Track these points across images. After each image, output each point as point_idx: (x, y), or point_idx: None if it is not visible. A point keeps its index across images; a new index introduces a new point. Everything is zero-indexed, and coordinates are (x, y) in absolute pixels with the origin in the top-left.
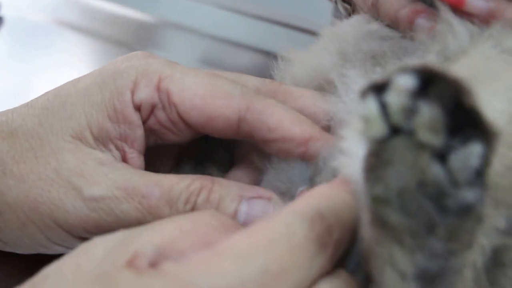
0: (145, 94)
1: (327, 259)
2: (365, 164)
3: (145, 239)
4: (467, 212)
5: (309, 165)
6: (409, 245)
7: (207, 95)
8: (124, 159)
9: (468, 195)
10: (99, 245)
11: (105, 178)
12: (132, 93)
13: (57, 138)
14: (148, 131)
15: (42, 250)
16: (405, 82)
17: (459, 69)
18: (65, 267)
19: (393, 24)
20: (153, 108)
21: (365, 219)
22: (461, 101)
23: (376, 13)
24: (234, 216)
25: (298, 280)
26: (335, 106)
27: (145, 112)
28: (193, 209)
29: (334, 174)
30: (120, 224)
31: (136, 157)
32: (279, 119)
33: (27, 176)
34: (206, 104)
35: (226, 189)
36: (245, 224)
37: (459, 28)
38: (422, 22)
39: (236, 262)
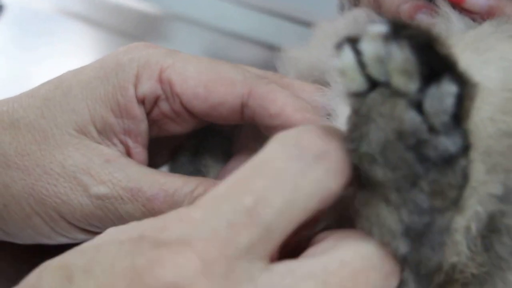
0: (147, 87)
1: (329, 169)
2: (349, 124)
3: (150, 230)
4: (449, 163)
5: None
6: (394, 202)
7: (210, 83)
8: (128, 154)
9: (447, 143)
10: (105, 233)
11: (110, 177)
12: (135, 87)
13: (61, 131)
14: (151, 123)
15: (45, 241)
16: (378, 29)
17: (454, 42)
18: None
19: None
20: (156, 100)
21: (353, 182)
22: (435, 49)
23: (377, 7)
24: None
25: (284, 205)
26: (333, 102)
27: (149, 104)
28: None
29: None
30: (123, 222)
31: (140, 151)
32: (281, 105)
33: (33, 169)
34: (209, 92)
35: None
36: None
37: (456, 22)
38: (423, 17)
39: (205, 209)
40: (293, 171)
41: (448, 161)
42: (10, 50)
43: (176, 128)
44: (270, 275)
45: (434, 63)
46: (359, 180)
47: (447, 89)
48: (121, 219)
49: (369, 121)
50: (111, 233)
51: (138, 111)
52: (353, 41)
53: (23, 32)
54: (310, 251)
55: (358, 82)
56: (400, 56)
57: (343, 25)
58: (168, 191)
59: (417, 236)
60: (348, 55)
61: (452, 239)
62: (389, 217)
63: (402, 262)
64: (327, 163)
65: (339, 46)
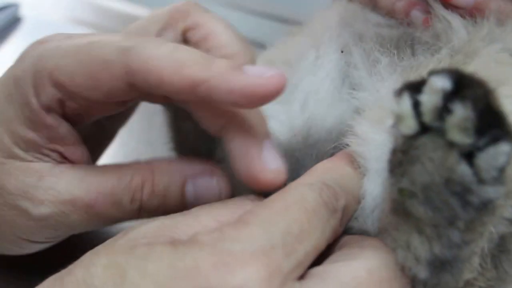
0: (46, 95)
1: (338, 223)
2: (393, 158)
3: (181, 228)
4: (486, 206)
5: None
6: (428, 235)
7: (93, 74)
8: (64, 157)
9: (492, 192)
10: (137, 228)
11: (47, 195)
12: (37, 97)
13: None
14: (75, 116)
15: (30, 251)
16: (441, 83)
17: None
18: (100, 246)
19: (389, 15)
20: (61, 102)
21: (386, 207)
22: (490, 103)
23: (373, 4)
24: (183, 199)
25: (316, 241)
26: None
27: (58, 107)
28: (141, 207)
29: None
30: (74, 230)
31: (74, 151)
32: (158, 69)
33: None
34: (96, 82)
35: (168, 176)
36: (197, 202)
37: (455, 24)
38: (417, 14)
39: (262, 228)
40: (322, 216)
41: (486, 204)
42: None
43: (98, 115)
44: None
45: (489, 118)
46: (396, 208)
47: (504, 150)
48: (68, 229)
49: (416, 161)
50: (145, 231)
51: (51, 120)
52: (412, 89)
53: None
54: (337, 256)
55: (412, 127)
56: (462, 115)
57: (341, 10)
58: (105, 192)
59: (441, 264)
60: (406, 103)
61: (470, 262)
62: (419, 246)
63: (419, 284)
64: (337, 219)
65: (399, 93)
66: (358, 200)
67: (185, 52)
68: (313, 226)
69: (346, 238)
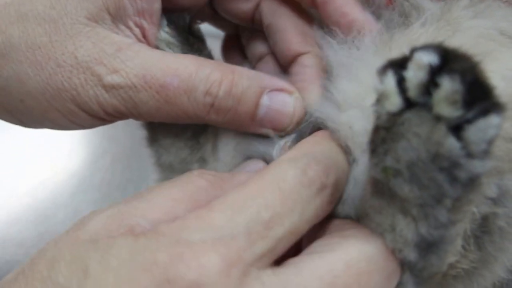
0: None
1: (326, 201)
2: (375, 137)
3: (138, 214)
4: (474, 182)
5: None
6: (414, 215)
7: None
8: (144, 36)
9: (479, 166)
10: (94, 218)
11: (123, 66)
12: None
13: (72, 20)
14: None
15: (60, 129)
16: (427, 58)
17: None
18: (61, 239)
19: None
20: None
21: (367, 190)
22: (477, 76)
23: None
24: (255, 108)
25: (292, 224)
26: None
27: None
28: (213, 103)
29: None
30: (139, 111)
31: (155, 32)
32: None
33: (45, 63)
34: None
35: (248, 81)
36: (266, 117)
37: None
38: None
39: (226, 215)
40: (302, 197)
41: (474, 179)
42: None
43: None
44: (279, 280)
45: (476, 90)
46: (378, 189)
47: (494, 122)
48: (136, 108)
49: (401, 138)
50: (105, 221)
51: None
52: (397, 66)
53: None
54: (315, 247)
55: (396, 104)
56: (451, 88)
57: None
58: (181, 76)
59: (428, 246)
60: (390, 80)
61: (454, 244)
62: (405, 228)
63: (407, 267)
64: (325, 196)
65: (383, 71)
66: (347, 175)
67: None
68: (289, 208)
69: (329, 225)
